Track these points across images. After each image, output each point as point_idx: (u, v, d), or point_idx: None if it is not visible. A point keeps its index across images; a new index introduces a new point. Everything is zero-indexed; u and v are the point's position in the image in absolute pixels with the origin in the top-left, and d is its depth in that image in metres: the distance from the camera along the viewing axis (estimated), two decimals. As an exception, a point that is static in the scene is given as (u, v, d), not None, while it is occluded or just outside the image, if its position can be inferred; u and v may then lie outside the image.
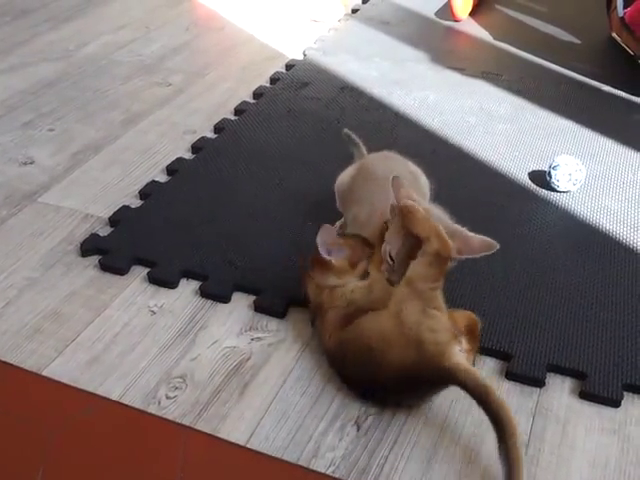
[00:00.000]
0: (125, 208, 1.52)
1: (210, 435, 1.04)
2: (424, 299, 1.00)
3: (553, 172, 1.50)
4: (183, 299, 1.30)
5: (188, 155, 1.73)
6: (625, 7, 2.14)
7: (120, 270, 1.35)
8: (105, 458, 1.02)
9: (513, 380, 1.10)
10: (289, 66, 2.17)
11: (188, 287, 1.32)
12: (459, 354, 0.99)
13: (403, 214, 1.03)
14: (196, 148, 1.74)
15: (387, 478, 0.97)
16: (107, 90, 2.07)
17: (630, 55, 2.11)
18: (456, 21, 2.46)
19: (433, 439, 1.02)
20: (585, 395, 1.07)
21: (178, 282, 1.33)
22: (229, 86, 2.09)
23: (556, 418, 1.05)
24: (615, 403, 1.06)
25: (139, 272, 1.36)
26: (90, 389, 1.12)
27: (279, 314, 1.24)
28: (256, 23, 2.52)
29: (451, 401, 1.07)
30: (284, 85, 2.04)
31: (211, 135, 1.81)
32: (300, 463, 0.99)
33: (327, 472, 0.98)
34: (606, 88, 1.97)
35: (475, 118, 1.84)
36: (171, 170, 1.66)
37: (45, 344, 1.20)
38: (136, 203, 1.55)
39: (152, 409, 1.08)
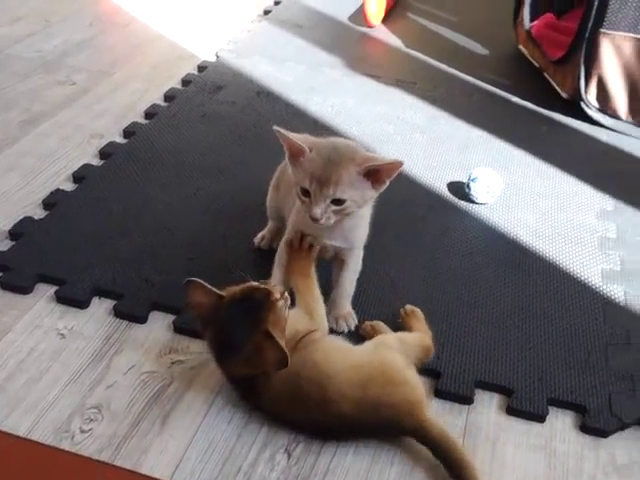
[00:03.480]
0: (27, 220, 1.41)
1: (130, 471, 0.97)
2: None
3: (472, 184, 1.51)
4: (95, 320, 1.21)
5: (96, 161, 1.63)
6: (531, 20, 2.21)
7: (23, 289, 1.25)
8: (13, 503, 0.93)
9: (442, 398, 1.10)
10: (202, 67, 2.09)
11: (100, 307, 1.24)
12: None
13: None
14: (104, 154, 1.64)
15: (322, 509, 0.94)
16: (4, 88, 1.92)
17: (536, 67, 2.17)
18: (369, 27, 2.46)
19: (366, 466, 0.99)
20: (512, 411, 1.08)
21: (89, 301, 1.24)
22: (138, 87, 1.99)
23: (486, 436, 1.05)
24: (540, 418, 1.07)
25: (45, 290, 1.26)
26: (-8, 425, 1.02)
27: (200, 335, 1.18)
28: (164, 20, 2.42)
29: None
30: (197, 88, 1.97)
31: (120, 140, 1.72)
32: (230, 498, 0.94)
33: (259, 506, 0.94)
34: (515, 99, 2.02)
35: (393, 127, 1.84)
36: (78, 177, 1.55)
37: (-62, 375, 1.09)
38: (40, 214, 1.44)
39: (65, 445, 1.00)
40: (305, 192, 1.06)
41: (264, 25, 2.45)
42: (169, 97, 1.91)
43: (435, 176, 1.63)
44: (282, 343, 0.94)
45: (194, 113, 1.84)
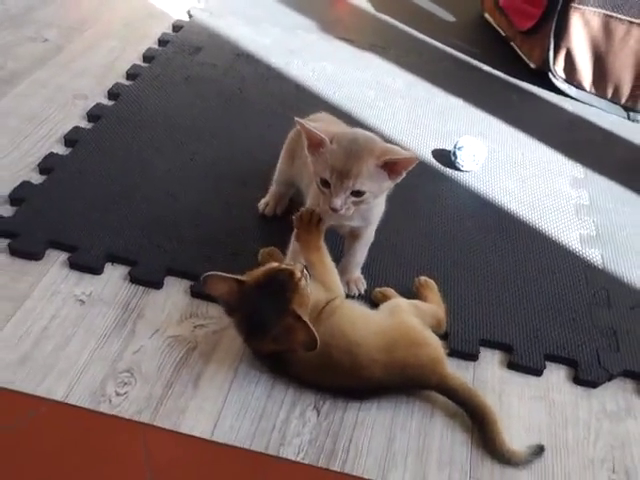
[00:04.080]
0: (26, 184, 1.39)
1: (171, 431, 1.02)
2: None
3: (458, 152, 1.59)
4: (112, 286, 1.23)
5: (84, 123, 1.61)
6: (499, -12, 2.28)
7: (34, 255, 1.25)
8: (61, 467, 0.96)
9: (450, 356, 1.18)
10: (177, 27, 2.07)
11: (115, 273, 1.26)
12: None
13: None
14: (93, 116, 1.62)
15: (354, 460, 1.02)
16: (-27, 44, 1.85)
17: (502, 36, 2.26)
18: (337, -12, 2.48)
19: (390, 417, 1.08)
20: (513, 366, 1.19)
21: (103, 267, 1.25)
22: (113, 45, 1.95)
23: (492, 389, 1.15)
24: (538, 372, 1.18)
25: (56, 257, 1.27)
26: (28, 390, 1.04)
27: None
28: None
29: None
30: (175, 48, 1.95)
31: (106, 101, 1.70)
32: (269, 452, 1.01)
33: (297, 459, 1.01)
34: (485, 67, 2.10)
35: (374, 92, 1.89)
36: (70, 141, 1.53)
37: (-39, 344, 1.10)
38: (37, 178, 1.43)
39: (103, 408, 1.03)
40: (325, 183, 1.08)
41: (232, -17, 2.42)
42: (148, 57, 1.89)
43: (420, 143, 1.70)
44: (309, 322, 1.00)
45: (177, 75, 1.83)
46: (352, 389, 1.08)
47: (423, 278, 1.26)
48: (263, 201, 1.41)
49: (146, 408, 1.04)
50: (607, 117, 1.94)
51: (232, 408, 1.06)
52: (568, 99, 1.99)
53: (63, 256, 1.27)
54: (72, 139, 1.54)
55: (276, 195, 1.40)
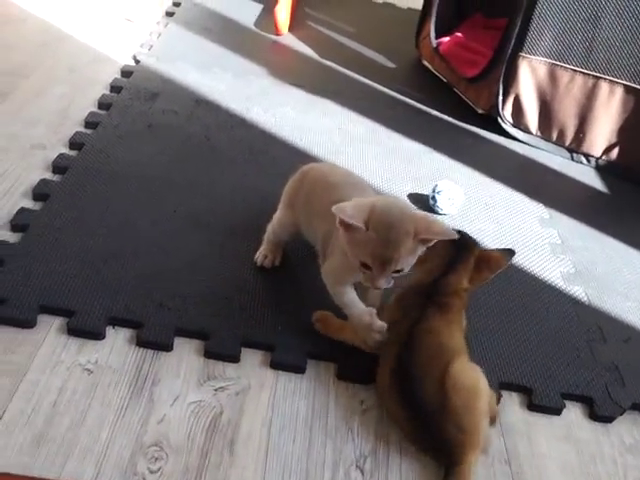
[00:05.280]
0: (2, 244, 1.28)
1: (218, 506, 0.95)
2: None
3: (437, 197, 1.62)
4: (118, 351, 1.14)
5: (49, 175, 1.51)
6: (437, 37, 2.38)
7: (27, 322, 1.15)
8: None
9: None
10: (126, 72, 2.00)
11: (118, 336, 1.17)
12: None
13: None
14: (59, 167, 1.52)
15: (410, 518, 0.99)
16: None
17: (443, 82, 2.34)
18: (278, 35, 2.49)
19: (435, 472, 1.06)
20: (534, 407, 1.20)
21: (105, 332, 1.16)
22: (62, 91, 1.86)
23: (519, 432, 1.16)
24: (558, 411, 1.21)
25: (49, 322, 1.17)
26: (51, 476, 0.94)
27: (233, 358, 1.17)
28: (63, 18, 2.27)
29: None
30: (131, 95, 1.88)
31: (69, 152, 1.60)
32: (326, 519, 0.96)
33: (354, 523, 0.96)
34: (434, 112, 2.17)
35: (339, 138, 1.90)
36: (39, 194, 1.43)
37: (-35, 427, 0.97)
38: (11, 236, 1.32)
39: (139, 487, 0.95)
40: (365, 265, 1.07)
41: (173, 28, 2.38)
42: (104, 105, 1.81)
43: (395, 187, 1.72)
44: None
45: (139, 123, 1.76)
46: None
47: None
48: (260, 253, 1.36)
49: (185, 483, 0.96)
50: (554, 159, 2.04)
51: (274, 473, 1.00)
52: (515, 142, 2.08)
53: (57, 321, 1.17)
54: (42, 193, 1.43)
55: (274, 246, 1.36)
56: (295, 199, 1.30)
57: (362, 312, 1.15)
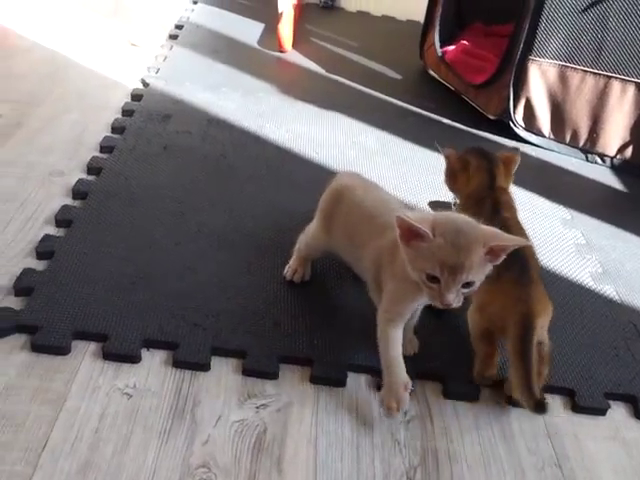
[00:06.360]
0: (29, 271, 1.26)
1: (272, 527, 0.93)
2: None
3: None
4: (155, 374, 1.13)
5: (69, 201, 1.50)
6: (441, 46, 2.38)
7: (61, 349, 1.13)
8: None
9: (515, 406, 1.17)
10: (136, 96, 1.99)
11: (154, 359, 1.15)
12: None
13: None
14: (79, 192, 1.51)
15: (467, 528, 0.97)
16: None
17: (450, 89, 2.35)
18: (282, 52, 2.49)
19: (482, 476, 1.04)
20: (578, 409, 1.18)
21: (140, 355, 1.15)
22: (74, 118, 1.85)
23: (567, 434, 1.14)
24: (603, 412, 1.19)
25: (83, 348, 1.15)
26: (101, 504, 0.92)
27: (272, 375, 1.15)
28: (68, 46, 2.27)
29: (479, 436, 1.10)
30: (144, 117, 1.87)
31: (87, 177, 1.59)
32: (382, 534, 0.94)
33: (412, 537, 0.94)
34: (446, 121, 2.17)
35: (354, 152, 1.89)
36: (62, 221, 1.42)
37: (8, 460, 0.95)
38: (37, 264, 1.30)
39: (190, 511, 0.93)
40: (432, 278, 1.01)
41: (178, 50, 2.38)
42: (118, 129, 1.80)
43: (416, 197, 1.71)
44: None
45: (154, 145, 1.75)
46: None
47: None
48: (290, 268, 1.35)
49: (237, 505, 0.94)
50: (569, 160, 2.04)
51: (326, 491, 0.98)
52: (529, 145, 2.08)
53: (92, 346, 1.15)
54: (64, 219, 1.42)
55: (304, 261, 1.35)
56: (330, 216, 1.26)
57: (400, 381, 1.08)
